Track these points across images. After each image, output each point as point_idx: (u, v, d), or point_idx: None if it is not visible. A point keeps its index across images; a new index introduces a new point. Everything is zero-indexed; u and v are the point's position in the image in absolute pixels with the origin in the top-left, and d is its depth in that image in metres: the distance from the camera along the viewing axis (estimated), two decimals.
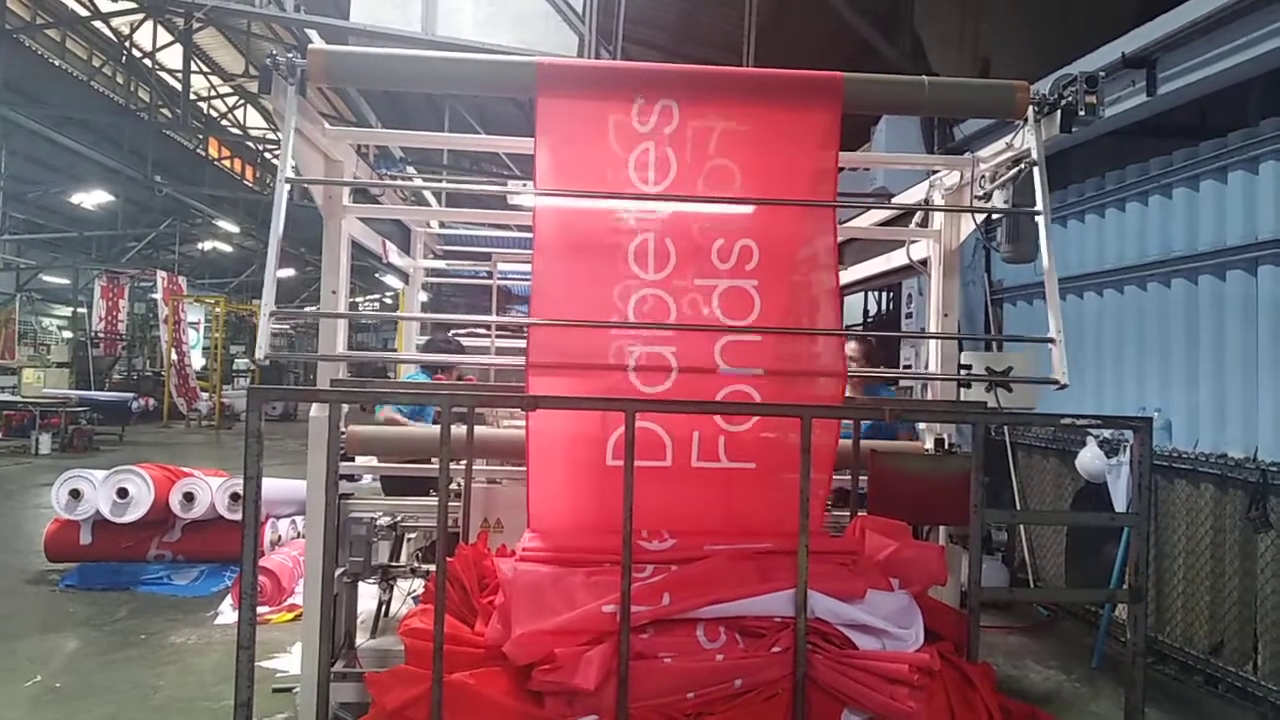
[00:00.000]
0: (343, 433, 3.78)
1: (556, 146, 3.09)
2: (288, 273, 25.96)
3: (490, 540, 3.50)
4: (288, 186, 3.02)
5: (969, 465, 4.04)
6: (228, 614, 6.25)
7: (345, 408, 3.45)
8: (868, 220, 5.08)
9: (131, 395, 21.94)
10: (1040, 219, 3.21)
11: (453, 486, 3.71)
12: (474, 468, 3.77)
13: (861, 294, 13.49)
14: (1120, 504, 5.93)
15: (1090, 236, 6.63)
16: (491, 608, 2.87)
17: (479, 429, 4.01)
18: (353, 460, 4.19)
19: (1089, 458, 6.14)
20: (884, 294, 13.87)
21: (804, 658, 2.66)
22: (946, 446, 4.47)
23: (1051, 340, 3.19)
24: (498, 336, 6.57)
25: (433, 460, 4.32)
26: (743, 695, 2.68)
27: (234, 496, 7.18)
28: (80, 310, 27.55)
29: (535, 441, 3.17)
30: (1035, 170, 3.30)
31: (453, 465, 3.52)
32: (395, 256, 5.45)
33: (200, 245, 27.21)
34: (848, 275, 5.31)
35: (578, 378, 3.13)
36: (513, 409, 4.87)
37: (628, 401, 2.70)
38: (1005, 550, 7.12)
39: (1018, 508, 7.20)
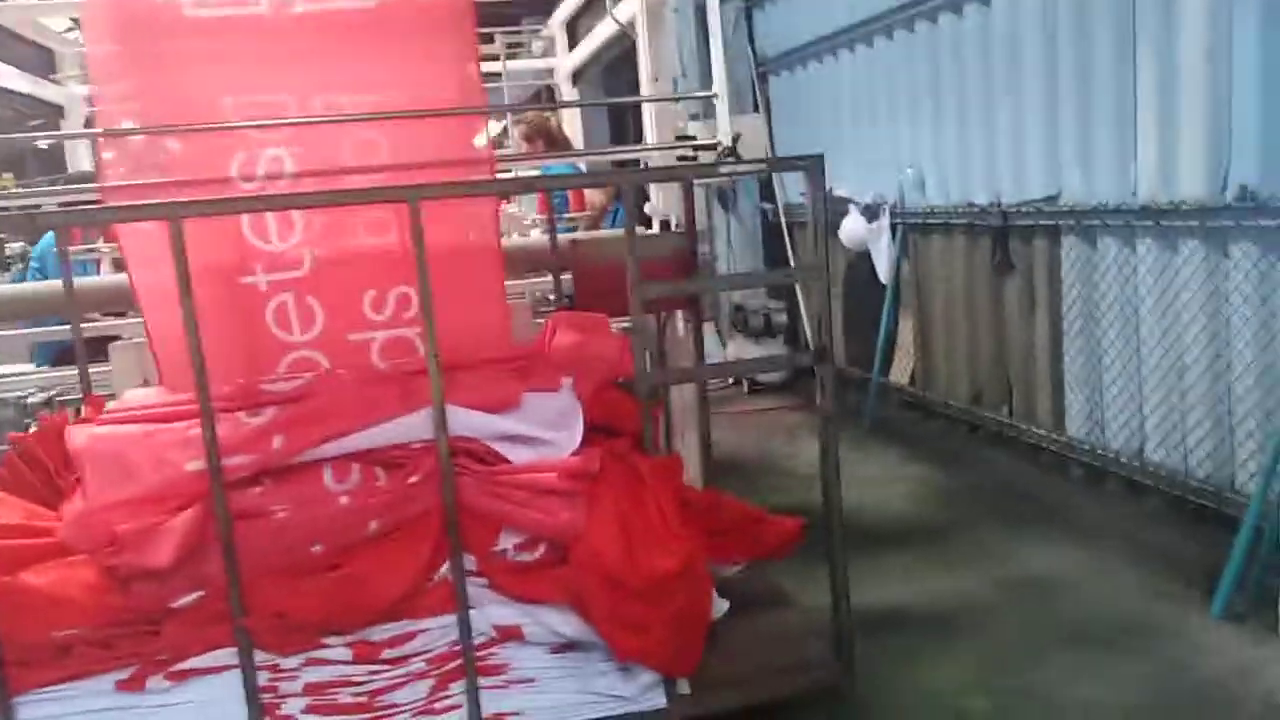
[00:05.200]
0: None
1: None
2: None
3: None
4: None
5: (680, 243, 3.70)
6: None
7: None
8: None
9: None
10: None
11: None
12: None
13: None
14: (883, 270, 5.80)
15: None
16: (77, 487, 2.33)
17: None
18: None
19: (850, 226, 5.94)
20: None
21: (451, 484, 2.25)
22: (673, 227, 4.07)
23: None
24: None
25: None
26: (382, 537, 2.27)
27: None
28: None
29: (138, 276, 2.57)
30: None
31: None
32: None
33: None
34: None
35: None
36: None
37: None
38: (786, 331, 6.99)
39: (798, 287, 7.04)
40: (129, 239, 2.34)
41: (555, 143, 5.37)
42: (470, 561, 2.32)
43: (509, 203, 4.32)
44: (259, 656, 2.22)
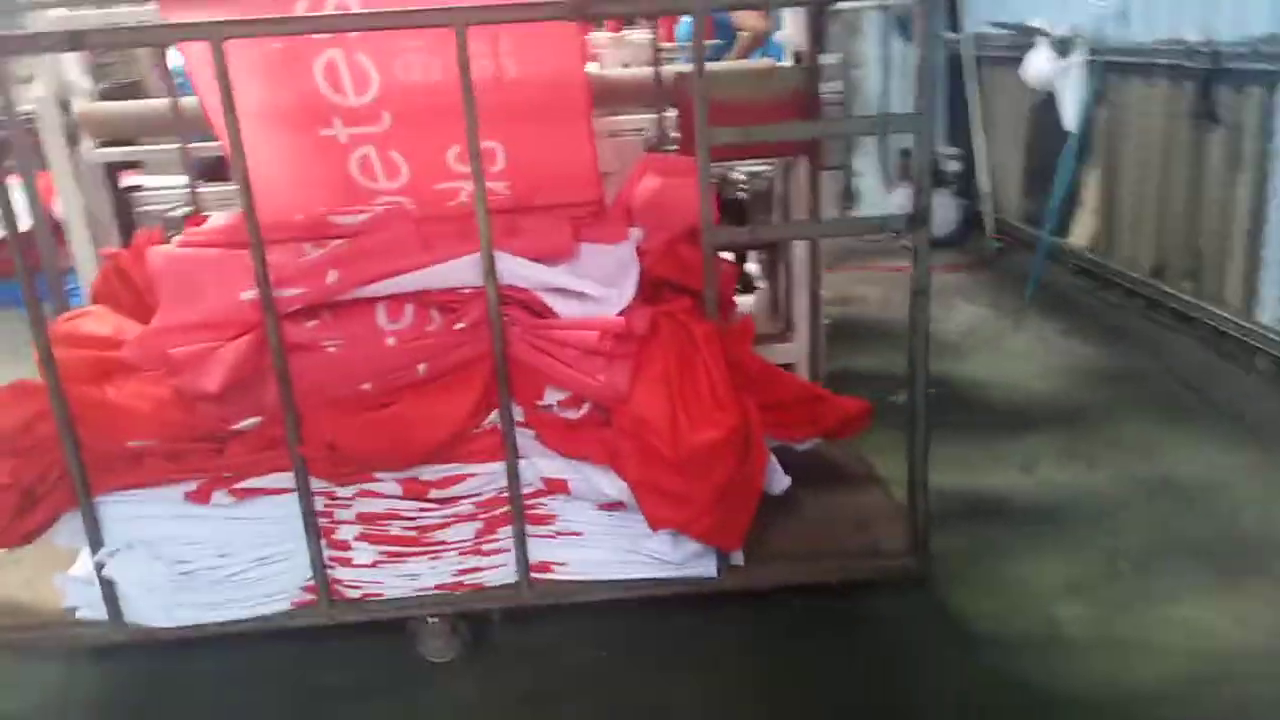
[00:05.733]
0: None
1: None
2: None
3: None
4: None
5: (802, 80, 3.35)
6: None
7: None
8: None
9: None
10: None
11: None
12: None
13: None
14: (1069, 116, 5.13)
15: None
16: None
17: None
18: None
19: (1036, 62, 5.24)
20: None
21: (500, 333, 2.18)
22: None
23: None
24: None
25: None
26: (431, 380, 2.24)
27: None
28: None
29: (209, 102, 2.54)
30: None
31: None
32: None
33: None
34: None
35: None
36: None
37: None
38: (960, 181, 6.41)
39: (979, 130, 6.40)
40: (195, 62, 2.30)
41: None
42: (518, 412, 2.27)
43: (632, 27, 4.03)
44: (315, 484, 2.29)
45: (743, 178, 4.06)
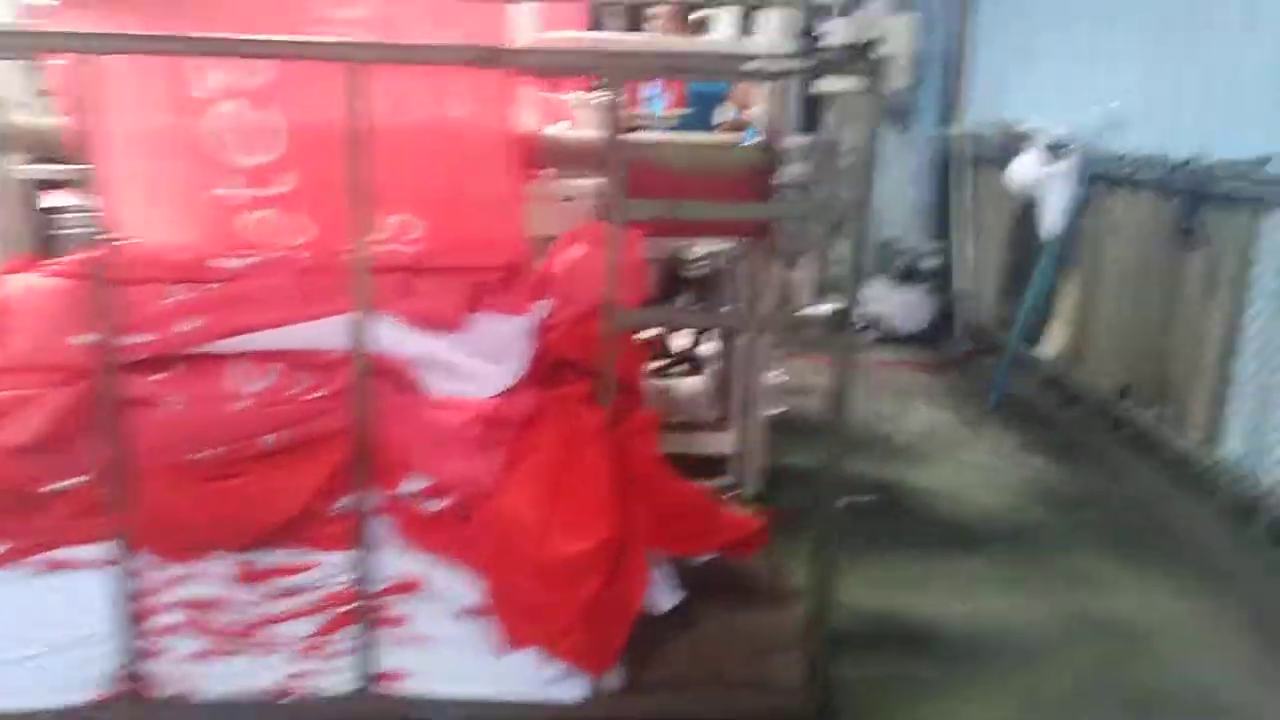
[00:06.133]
0: None
1: None
2: None
3: None
4: None
5: (758, 159, 3.17)
6: None
7: None
8: None
9: None
10: None
11: None
12: None
13: None
14: (1049, 222, 4.96)
15: None
16: None
17: None
18: None
19: (1022, 165, 5.10)
20: None
21: (365, 407, 1.95)
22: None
23: None
24: None
25: None
26: (280, 453, 2.00)
27: None
28: None
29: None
30: None
31: None
32: None
33: None
34: None
35: None
36: None
37: None
38: (936, 278, 6.24)
39: (962, 228, 6.25)
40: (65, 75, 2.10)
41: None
42: (375, 497, 2.02)
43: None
44: (137, 559, 2.02)
45: (698, 256, 3.88)
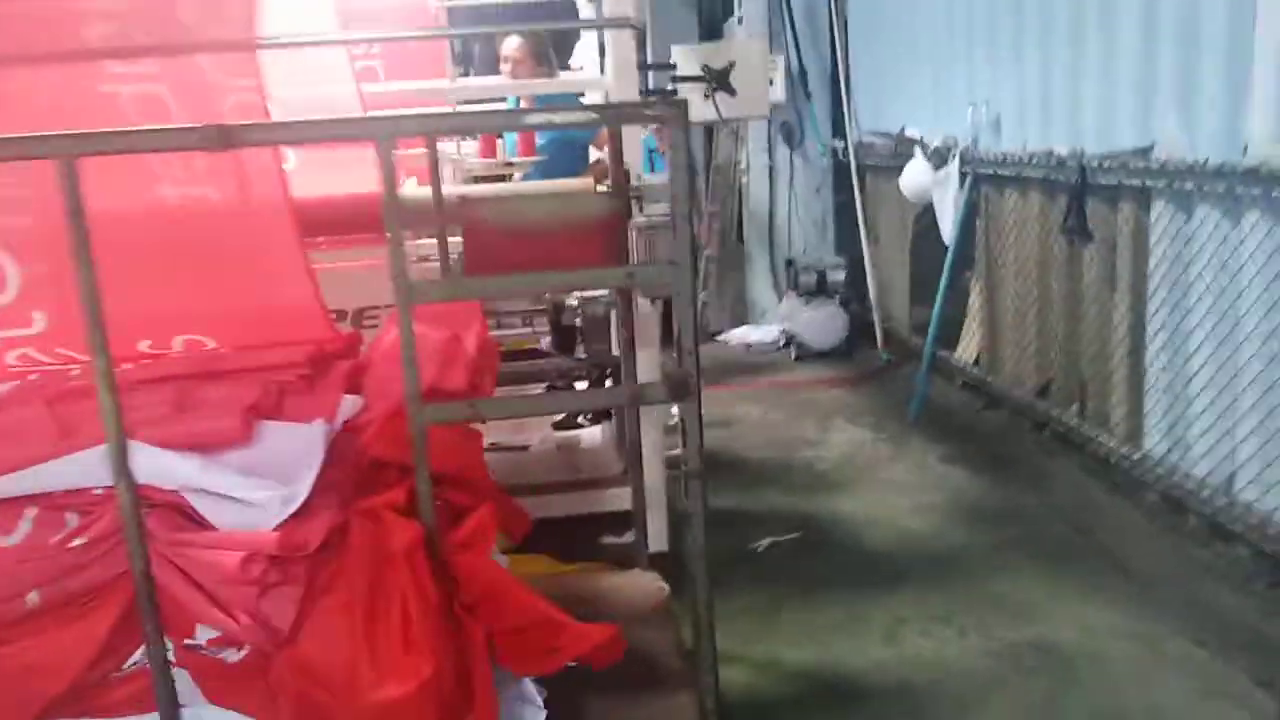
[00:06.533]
0: None
1: None
2: None
3: None
4: None
5: (617, 204, 2.95)
6: None
7: None
8: None
9: None
10: None
11: None
12: None
13: None
14: (946, 229, 4.84)
15: None
16: None
17: None
18: None
19: (912, 174, 4.98)
20: None
21: (140, 550, 1.66)
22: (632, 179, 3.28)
23: None
24: None
25: None
26: (48, 612, 1.70)
27: None
28: None
29: None
30: None
31: None
32: None
33: None
34: None
35: None
36: None
37: None
38: (847, 291, 6.09)
39: (866, 239, 6.12)
40: None
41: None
42: (169, 651, 1.73)
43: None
44: None
45: (574, 303, 3.64)
